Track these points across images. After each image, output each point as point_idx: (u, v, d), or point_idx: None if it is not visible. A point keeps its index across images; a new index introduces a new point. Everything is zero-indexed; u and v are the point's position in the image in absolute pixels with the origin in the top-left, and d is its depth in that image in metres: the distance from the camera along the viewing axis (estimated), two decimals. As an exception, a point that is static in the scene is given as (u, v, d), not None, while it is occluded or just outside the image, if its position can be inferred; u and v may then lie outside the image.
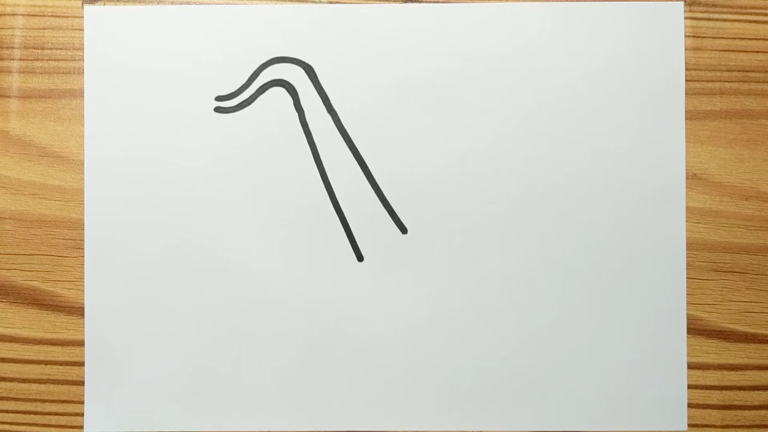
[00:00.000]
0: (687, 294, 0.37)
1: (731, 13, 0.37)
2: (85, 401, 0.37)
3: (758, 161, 0.37)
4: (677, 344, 0.37)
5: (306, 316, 0.37)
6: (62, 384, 0.37)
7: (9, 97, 0.37)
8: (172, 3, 0.37)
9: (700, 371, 0.37)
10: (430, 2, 0.37)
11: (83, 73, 0.37)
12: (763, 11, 0.37)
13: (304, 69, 0.37)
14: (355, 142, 0.37)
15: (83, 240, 0.37)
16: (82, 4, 0.37)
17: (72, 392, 0.37)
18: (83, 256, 0.37)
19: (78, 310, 0.37)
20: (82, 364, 0.37)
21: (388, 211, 0.37)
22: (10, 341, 0.37)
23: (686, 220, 0.37)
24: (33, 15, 0.37)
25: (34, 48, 0.37)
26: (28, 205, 0.37)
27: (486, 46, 0.37)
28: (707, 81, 0.37)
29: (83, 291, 0.37)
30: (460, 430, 0.37)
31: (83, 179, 0.37)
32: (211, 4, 0.37)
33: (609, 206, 0.36)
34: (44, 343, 0.37)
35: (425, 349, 0.37)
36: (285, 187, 0.37)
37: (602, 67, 0.36)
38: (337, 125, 0.37)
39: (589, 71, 0.36)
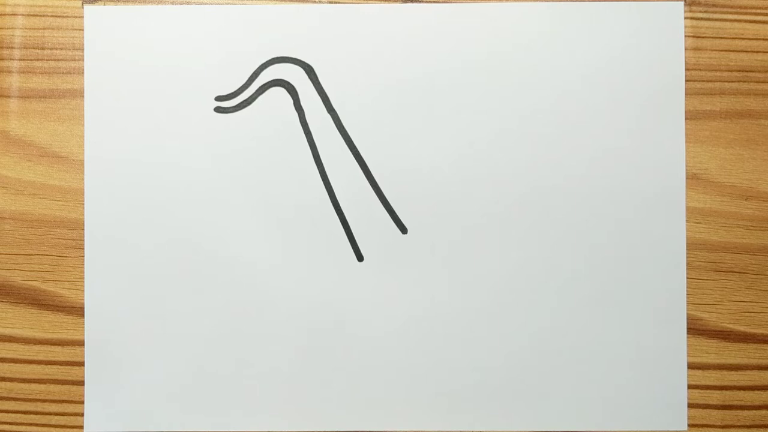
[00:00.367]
0: (687, 294, 0.37)
1: (731, 13, 0.37)
2: (85, 401, 0.37)
3: (758, 161, 0.37)
4: (677, 344, 0.37)
5: (306, 316, 0.37)
6: (62, 384, 0.37)
7: (9, 97, 0.37)
8: (172, 3, 0.37)
9: (700, 371, 0.37)
10: (430, 2, 0.37)
11: (83, 73, 0.37)
12: (763, 11, 0.37)
13: (304, 69, 0.37)
14: (355, 142, 0.37)
15: (83, 240, 0.37)
16: (82, 4, 0.37)
17: (72, 392, 0.37)
18: (83, 256, 0.37)
19: (78, 310, 0.37)
20: (82, 364, 0.37)
21: (388, 211, 0.37)
22: (10, 341, 0.37)
23: (686, 220, 0.37)
24: (33, 15, 0.37)
25: (34, 48, 0.37)
26: (28, 205, 0.37)
27: (486, 46, 0.37)
28: (707, 81, 0.37)
29: (83, 291, 0.37)
30: (460, 430, 0.37)
31: (83, 179, 0.37)
32: (211, 4, 0.37)
33: (609, 206, 0.36)
34: (44, 343, 0.37)
35: (425, 349, 0.37)
36: (285, 187, 0.37)
37: (602, 67, 0.36)
38: (337, 125, 0.37)
39: (589, 71, 0.36)
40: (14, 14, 0.37)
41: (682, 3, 0.37)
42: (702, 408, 0.37)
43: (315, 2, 0.37)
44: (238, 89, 0.37)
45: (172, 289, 0.37)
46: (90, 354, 0.37)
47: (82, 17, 0.37)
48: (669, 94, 0.37)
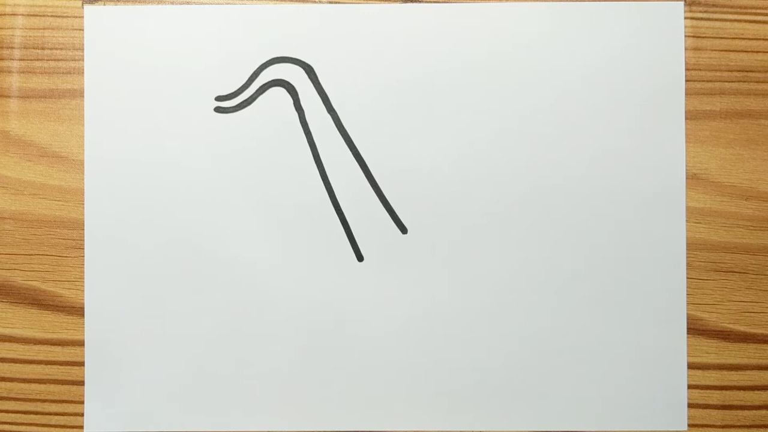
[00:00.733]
0: (687, 294, 0.37)
1: (731, 13, 0.37)
2: (85, 401, 0.37)
3: (758, 161, 0.37)
4: (677, 344, 0.37)
5: (306, 316, 0.37)
6: (62, 384, 0.37)
7: (9, 97, 0.37)
8: (172, 3, 0.37)
9: (700, 371, 0.37)
10: (430, 2, 0.37)
11: (83, 73, 0.37)
12: (763, 11, 0.37)
13: (304, 69, 0.37)
14: (355, 142, 0.37)
15: (83, 240, 0.37)
16: (82, 4, 0.37)
17: (72, 392, 0.37)
18: (83, 256, 0.37)
19: (78, 310, 0.37)
20: (82, 364, 0.37)
21: (388, 211, 0.37)
22: (10, 341, 0.37)
23: (686, 220, 0.37)
24: (33, 15, 0.37)
25: (34, 48, 0.37)
26: (28, 205, 0.37)
27: (486, 46, 0.37)
28: (707, 81, 0.37)
29: (83, 291, 0.37)
30: (460, 430, 0.37)
31: (83, 179, 0.37)
32: (211, 4, 0.37)
33: (609, 206, 0.36)
34: (44, 343, 0.37)
35: (425, 349, 0.37)
36: (285, 187, 0.37)
37: (602, 67, 0.36)
38: (337, 125, 0.37)
39: (589, 71, 0.36)
40: (14, 14, 0.37)
41: (682, 3, 0.37)
42: (702, 408, 0.37)
43: (315, 2, 0.37)
44: (238, 89, 0.37)
45: (172, 289, 0.37)
46: (90, 354, 0.37)
47: (82, 17, 0.37)
48: (669, 94, 0.37)
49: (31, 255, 0.37)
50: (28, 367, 0.37)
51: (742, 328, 0.37)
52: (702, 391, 0.37)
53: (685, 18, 0.37)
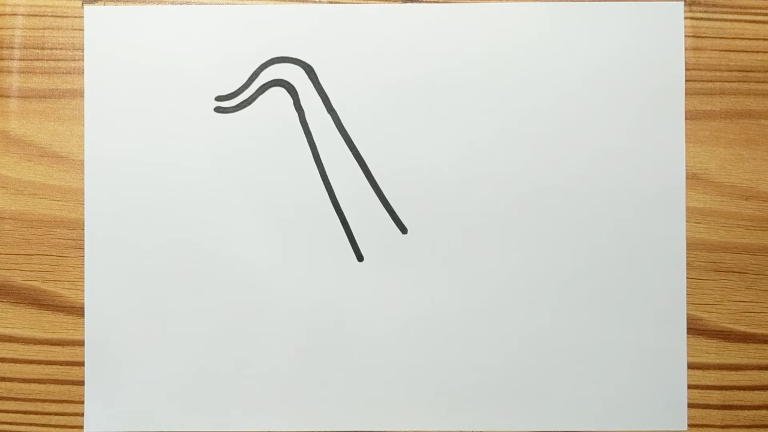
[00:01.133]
0: (687, 294, 0.37)
1: (731, 13, 0.37)
2: (85, 401, 0.37)
3: (758, 161, 0.37)
4: (677, 344, 0.37)
5: (306, 316, 0.37)
6: (62, 384, 0.37)
7: (9, 97, 0.37)
8: (172, 3, 0.37)
9: (700, 371, 0.37)
10: (430, 2, 0.37)
11: (83, 73, 0.37)
12: (763, 11, 0.37)
13: (304, 69, 0.37)
14: (355, 142, 0.37)
15: (83, 240, 0.37)
16: (82, 4, 0.37)
17: (72, 392, 0.37)
18: (83, 256, 0.37)
19: (78, 310, 0.37)
20: (82, 364, 0.37)
21: (388, 211, 0.37)
22: (10, 341, 0.37)
23: (686, 220, 0.37)
24: (33, 15, 0.37)
25: (34, 48, 0.37)
26: (28, 205, 0.37)
27: (486, 46, 0.37)
28: (707, 81, 0.37)
29: (83, 291, 0.37)
30: (460, 430, 0.37)
31: (83, 179, 0.37)
32: (211, 4, 0.37)
33: (609, 206, 0.36)
34: (44, 343, 0.37)
35: (425, 349, 0.37)
36: (285, 187, 0.37)
37: (602, 67, 0.36)
38: (337, 125, 0.37)
39: (589, 71, 0.36)
40: (14, 14, 0.37)
41: (682, 3, 0.37)
42: (702, 408, 0.37)
43: (315, 2, 0.37)
44: (238, 89, 0.37)
45: (172, 289, 0.37)
46: (90, 354, 0.37)
47: (82, 17, 0.37)
48: (669, 94, 0.37)
49: (31, 255, 0.37)
50: (28, 367, 0.37)
51: (742, 328, 0.37)
52: (702, 391, 0.37)
53: (685, 18, 0.37)
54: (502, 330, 0.37)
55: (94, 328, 0.37)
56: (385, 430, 0.37)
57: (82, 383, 0.37)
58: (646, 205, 0.36)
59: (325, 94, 0.37)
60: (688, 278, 0.37)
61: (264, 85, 0.37)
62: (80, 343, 0.37)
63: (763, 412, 0.37)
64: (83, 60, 0.37)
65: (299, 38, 0.37)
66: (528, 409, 0.37)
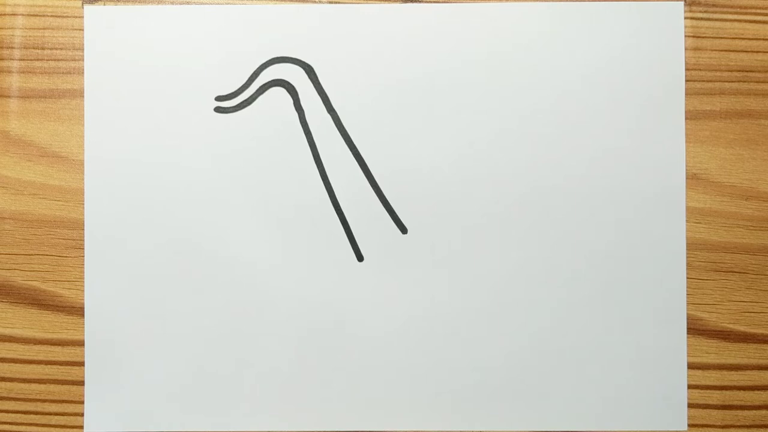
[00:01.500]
0: (687, 294, 0.37)
1: (731, 13, 0.37)
2: (85, 401, 0.37)
3: (758, 161, 0.37)
4: (677, 344, 0.37)
5: (306, 316, 0.37)
6: (62, 384, 0.37)
7: (9, 97, 0.37)
8: (172, 3, 0.37)
9: (700, 371, 0.37)
10: (430, 2, 0.37)
11: (83, 73, 0.37)
12: (763, 11, 0.37)
13: (304, 69, 0.37)
14: (355, 142, 0.37)
15: (83, 240, 0.37)
16: (82, 4, 0.37)
17: (72, 392, 0.37)
18: (83, 256, 0.37)
19: (78, 310, 0.37)
20: (82, 364, 0.37)
21: (388, 211, 0.37)
22: (10, 341, 0.37)
23: (686, 220, 0.37)
24: (33, 15, 0.37)
25: (34, 48, 0.37)
26: (28, 205, 0.37)
27: (486, 46, 0.37)
28: (707, 81, 0.37)
29: (83, 291, 0.37)
30: (460, 430, 0.37)
31: (83, 179, 0.37)
32: (211, 4, 0.37)
33: (609, 206, 0.36)
34: (44, 343, 0.37)
35: (425, 349, 0.37)
36: (285, 187, 0.37)
37: (602, 67, 0.36)
38: (337, 125, 0.37)
39: (589, 71, 0.36)
40: (14, 14, 0.37)
41: (682, 3, 0.37)
42: (702, 408, 0.37)
43: (315, 2, 0.37)
44: (238, 89, 0.37)
45: (172, 288, 0.37)
46: (90, 354, 0.37)
47: (82, 17, 0.37)
48: (669, 94, 0.37)
49: (31, 255, 0.37)
50: (28, 367, 0.37)
51: (742, 328, 0.37)
52: (702, 391, 0.37)
53: (685, 18, 0.37)
54: (502, 330, 0.37)
55: (94, 328, 0.37)
56: (385, 430, 0.37)
57: (82, 383, 0.37)
58: (646, 205, 0.36)
59: (325, 94, 0.37)
60: (688, 278, 0.37)
61: (264, 85, 0.37)
62: (80, 343, 0.37)
63: (763, 412, 0.37)
64: (83, 60, 0.37)
65: (299, 38, 0.37)
66: (528, 409, 0.37)
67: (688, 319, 0.37)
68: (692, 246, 0.37)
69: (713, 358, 0.37)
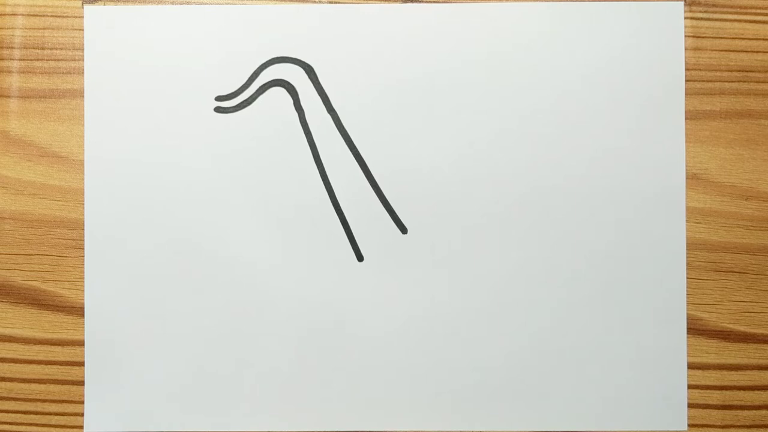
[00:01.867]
0: (687, 294, 0.37)
1: (731, 13, 0.37)
2: (85, 401, 0.37)
3: (758, 161, 0.37)
4: (677, 344, 0.37)
5: (306, 316, 0.37)
6: (62, 384, 0.37)
7: (9, 97, 0.37)
8: (172, 3, 0.37)
9: (700, 371, 0.37)
10: (430, 2, 0.37)
11: (83, 73, 0.37)
12: (763, 11, 0.37)
13: (304, 69, 0.37)
14: (355, 142, 0.37)
15: (83, 240, 0.37)
16: (82, 4, 0.37)
17: (72, 392, 0.37)
18: (83, 256, 0.37)
19: (78, 310, 0.37)
20: (82, 364, 0.37)
21: (388, 211, 0.37)
22: (10, 341, 0.37)
23: (686, 220, 0.37)
24: (33, 15, 0.37)
25: (34, 48, 0.37)
26: (28, 205, 0.37)
27: (486, 46, 0.37)
28: (707, 81, 0.37)
29: (83, 291, 0.37)
30: (460, 430, 0.37)
31: (83, 179, 0.37)
32: (211, 4, 0.37)
33: (609, 206, 0.36)
34: (44, 343, 0.37)
35: (425, 349, 0.37)
36: (285, 187, 0.37)
37: (602, 67, 0.36)
38: (337, 125, 0.37)
39: (589, 71, 0.36)
40: (14, 14, 0.37)
41: (682, 3, 0.37)
42: (702, 408, 0.37)
43: (315, 2, 0.37)
44: (238, 89, 0.37)
45: (172, 288, 0.37)
46: (90, 354, 0.37)
47: (82, 17, 0.37)
48: (669, 94, 0.37)
49: (31, 255, 0.37)
50: (28, 367, 0.37)
51: (742, 328, 0.37)
52: (702, 391, 0.37)
53: (685, 18, 0.37)
54: (502, 330, 0.37)
55: (94, 328, 0.37)
56: (385, 430, 0.37)
57: (82, 383, 0.37)
58: (646, 205, 0.36)
59: (325, 94, 0.37)
60: (688, 278, 0.37)
61: (264, 85, 0.37)
62: (80, 343, 0.37)
63: (763, 412, 0.37)
64: (83, 60, 0.37)
65: (299, 38, 0.37)
66: (528, 409, 0.37)
67: (688, 319, 0.37)
68: (692, 246, 0.37)
69: (713, 358, 0.37)
